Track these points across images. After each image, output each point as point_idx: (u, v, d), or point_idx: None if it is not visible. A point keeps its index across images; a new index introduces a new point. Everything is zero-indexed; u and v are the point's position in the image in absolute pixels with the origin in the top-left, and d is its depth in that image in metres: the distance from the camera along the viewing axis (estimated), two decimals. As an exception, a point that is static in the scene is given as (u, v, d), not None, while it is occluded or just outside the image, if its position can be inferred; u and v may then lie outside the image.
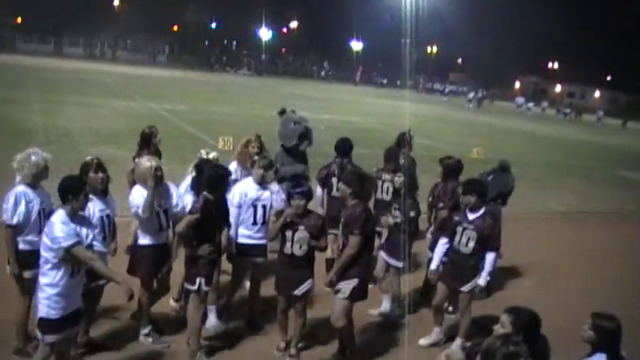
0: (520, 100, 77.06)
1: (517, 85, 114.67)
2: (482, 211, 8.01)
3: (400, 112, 39.90)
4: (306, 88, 67.30)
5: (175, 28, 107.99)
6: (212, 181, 7.17)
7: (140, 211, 7.20)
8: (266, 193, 8.19)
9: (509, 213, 10.82)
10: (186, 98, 39.74)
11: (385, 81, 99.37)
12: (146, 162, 7.39)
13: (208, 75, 75.48)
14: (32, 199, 6.70)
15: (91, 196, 6.59)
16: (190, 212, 7.01)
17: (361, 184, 7.40)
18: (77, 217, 5.98)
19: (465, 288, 8.05)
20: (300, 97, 50.91)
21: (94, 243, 6.19)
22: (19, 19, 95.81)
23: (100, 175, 6.93)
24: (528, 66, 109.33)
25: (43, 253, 5.80)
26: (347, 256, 7.13)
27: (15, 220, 6.62)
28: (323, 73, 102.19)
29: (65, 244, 5.69)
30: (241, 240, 8.09)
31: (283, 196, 8.20)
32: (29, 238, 6.73)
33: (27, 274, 6.73)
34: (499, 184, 10.41)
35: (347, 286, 7.17)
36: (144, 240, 7.49)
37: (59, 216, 5.85)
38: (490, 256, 7.98)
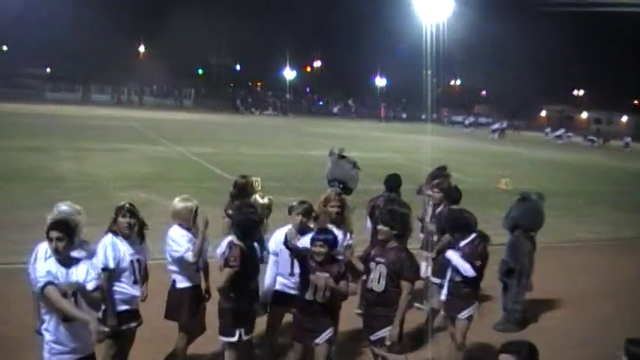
0: (548, 129, 76.92)
1: (543, 113, 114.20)
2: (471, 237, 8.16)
3: (425, 146, 39.93)
4: (331, 126, 67.66)
5: (200, 71, 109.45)
6: (245, 227, 7.04)
7: (191, 255, 7.18)
8: (305, 241, 7.41)
9: (538, 242, 10.74)
10: (213, 141, 40.15)
11: (405, 115, 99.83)
12: (187, 203, 7.48)
13: (234, 117, 76.21)
14: None
15: (121, 239, 6.80)
16: (228, 265, 6.77)
17: (404, 224, 7.19)
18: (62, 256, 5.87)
19: (462, 315, 8.05)
20: (325, 135, 51.14)
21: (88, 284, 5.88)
22: (47, 70, 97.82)
23: (127, 219, 6.87)
24: (553, 95, 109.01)
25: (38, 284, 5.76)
26: (405, 303, 6.91)
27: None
28: (353, 110, 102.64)
29: (43, 280, 5.64)
30: (279, 287, 7.75)
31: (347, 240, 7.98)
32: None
33: None
34: (519, 215, 10.42)
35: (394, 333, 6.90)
36: (182, 283, 7.44)
37: (39, 253, 6.09)
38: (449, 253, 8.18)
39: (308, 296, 6.89)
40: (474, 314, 8.00)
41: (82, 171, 23.79)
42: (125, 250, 6.84)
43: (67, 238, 5.81)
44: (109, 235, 6.87)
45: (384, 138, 53.50)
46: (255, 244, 7.34)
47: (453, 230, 8.41)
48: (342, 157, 13.09)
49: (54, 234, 5.78)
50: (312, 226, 7.84)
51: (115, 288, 6.81)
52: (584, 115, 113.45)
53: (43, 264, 5.85)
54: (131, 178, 22.86)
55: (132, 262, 6.90)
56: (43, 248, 6.33)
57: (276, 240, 7.69)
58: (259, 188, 18.92)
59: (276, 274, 7.76)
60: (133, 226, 6.92)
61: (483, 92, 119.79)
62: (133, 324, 7.03)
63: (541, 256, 10.83)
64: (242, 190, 9.31)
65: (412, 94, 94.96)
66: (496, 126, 73.66)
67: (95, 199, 16.59)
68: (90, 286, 5.74)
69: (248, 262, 6.89)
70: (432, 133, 59.57)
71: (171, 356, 7.75)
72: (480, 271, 7.95)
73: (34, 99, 74.90)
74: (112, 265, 6.74)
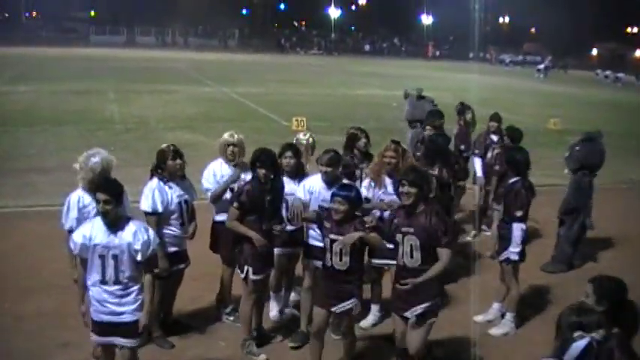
0: (599, 70, 74.98)
1: (594, 52, 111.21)
2: (514, 179, 7.87)
3: (473, 85, 39.28)
4: (377, 65, 66.93)
5: (244, 11, 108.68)
6: (265, 158, 6.79)
7: (209, 195, 7.35)
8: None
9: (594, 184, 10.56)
10: (257, 81, 40.08)
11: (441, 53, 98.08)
12: (224, 136, 7.62)
13: (279, 57, 75.85)
14: (88, 203, 6.38)
15: (167, 182, 6.86)
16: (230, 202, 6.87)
17: (430, 182, 6.43)
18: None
19: (500, 258, 7.90)
20: (370, 74, 50.73)
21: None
22: (92, 13, 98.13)
23: (178, 161, 6.92)
24: (605, 32, 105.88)
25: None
26: (439, 271, 5.98)
27: (67, 226, 6.42)
28: (402, 47, 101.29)
29: (74, 248, 5.66)
30: (309, 240, 7.28)
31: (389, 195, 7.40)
32: None
33: None
34: (585, 155, 10.20)
35: (428, 308, 6.08)
36: (218, 217, 7.50)
37: (71, 201, 6.29)
38: (515, 227, 7.67)
39: (326, 262, 6.28)
40: (512, 259, 7.78)
41: (129, 113, 24.01)
42: (172, 193, 6.89)
43: (115, 201, 5.56)
44: (155, 180, 6.90)
45: (430, 77, 52.76)
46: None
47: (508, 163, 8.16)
48: (420, 97, 13.15)
49: (101, 196, 5.52)
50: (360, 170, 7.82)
51: (164, 231, 6.89)
52: (638, 53, 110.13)
53: (86, 224, 5.69)
54: (177, 119, 23.00)
55: (179, 203, 6.96)
56: (76, 197, 6.44)
57: (305, 188, 7.21)
58: (304, 128, 18.95)
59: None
60: (183, 167, 7.00)
61: (533, 30, 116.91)
62: (182, 265, 7.15)
63: (596, 197, 10.64)
64: (351, 141, 8.69)
65: (459, 32, 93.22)
66: (543, 65, 71.95)
67: (142, 141, 16.73)
68: (139, 256, 5.54)
69: (255, 202, 6.74)
70: (480, 72, 58.43)
71: (220, 294, 7.87)
72: (523, 220, 7.77)
73: (79, 43, 75.55)
74: (160, 209, 6.80)
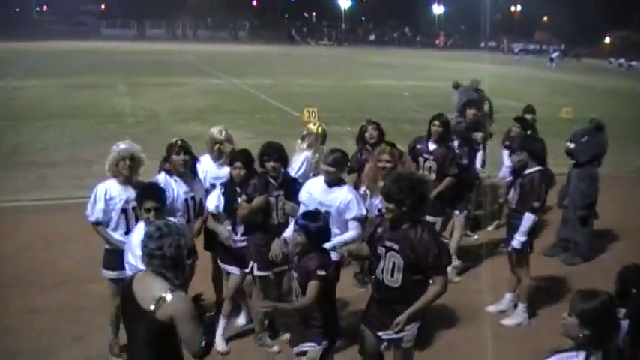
0: (612, 59, 74.57)
1: (607, 40, 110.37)
2: (534, 169, 7.66)
3: (485, 74, 39.13)
4: (388, 55, 66.77)
5: (254, 3, 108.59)
6: (272, 151, 6.70)
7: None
8: (333, 196, 6.44)
9: (602, 173, 10.48)
10: (268, 72, 40.03)
11: (452, 43, 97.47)
12: (210, 130, 7.48)
13: (289, 48, 75.71)
14: (115, 195, 6.38)
15: (175, 177, 6.67)
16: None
17: (416, 194, 5.26)
18: None
19: (509, 247, 7.79)
20: (381, 65, 50.59)
21: None
22: (102, 6, 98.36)
23: (182, 157, 6.65)
24: (618, 20, 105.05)
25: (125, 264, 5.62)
26: (432, 299, 5.30)
27: (93, 218, 6.40)
28: (415, 37, 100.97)
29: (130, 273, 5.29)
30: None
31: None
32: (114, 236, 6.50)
33: (112, 275, 6.52)
34: (594, 145, 10.09)
35: (414, 331, 5.38)
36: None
37: (136, 237, 5.37)
38: (526, 217, 7.53)
39: (377, 274, 5.46)
40: (515, 247, 7.67)
41: (139, 106, 24.03)
42: (178, 189, 6.70)
43: (163, 207, 5.58)
44: (162, 175, 6.77)
45: (442, 67, 52.55)
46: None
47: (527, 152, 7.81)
48: (476, 90, 13.22)
49: (150, 204, 5.49)
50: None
51: None
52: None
53: (134, 249, 5.35)
54: (187, 111, 22.99)
55: (186, 200, 6.75)
56: (103, 189, 6.40)
57: (306, 189, 6.68)
58: (315, 119, 18.90)
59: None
60: (188, 163, 6.74)
61: (545, 18, 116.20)
62: (189, 260, 6.99)
63: (605, 186, 10.58)
64: (360, 134, 8.74)
65: (471, 21, 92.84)
66: (555, 54, 71.51)
67: (153, 134, 16.75)
68: None
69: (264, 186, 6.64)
70: (492, 61, 58.18)
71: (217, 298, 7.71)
72: (538, 211, 7.67)
73: (89, 36, 75.68)
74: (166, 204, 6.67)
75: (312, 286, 5.09)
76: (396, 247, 5.20)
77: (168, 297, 4.09)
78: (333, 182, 6.49)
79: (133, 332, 4.34)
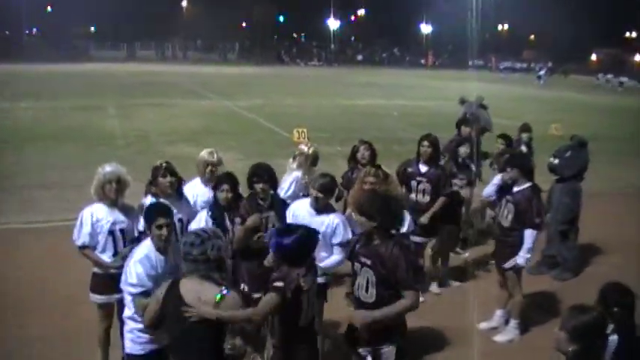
0: (600, 74, 75.08)
1: (594, 57, 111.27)
2: (525, 185, 7.68)
3: (473, 93, 39.33)
4: (377, 75, 67.11)
5: (244, 24, 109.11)
6: (262, 172, 6.59)
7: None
8: (319, 221, 6.31)
9: (589, 189, 10.54)
10: (258, 93, 40.15)
11: (441, 62, 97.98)
12: (202, 154, 7.30)
13: (279, 69, 76.03)
14: (102, 218, 6.33)
15: (161, 200, 6.45)
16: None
17: (386, 211, 5.26)
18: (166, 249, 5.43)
19: (506, 265, 7.76)
20: (370, 84, 50.83)
21: None
22: (92, 29, 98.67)
23: (168, 179, 6.56)
24: (605, 38, 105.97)
25: (122, 285, 5.39)
26: (399, 311, 5.12)
27: (80, 242, 6.33)
28: (404, 57, 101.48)
29: (133, 290, 5.24)
30: None
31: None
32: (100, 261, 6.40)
33: (99, 299, 6.51)
34: (578, 160, 10.17)
35: (390, 351, 5.23)
36: None
37: (139, 252, 5.36)
38: (528, 233, 7.54)
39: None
40: (520, 265, 7.68)
41: (129, 127, 24.04)
42: None
43: (172, 222, 5.53)
44: (149, 197, 6.68)
45: (429, 86, 52.86)
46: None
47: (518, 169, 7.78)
48: (483, 106, 13.43)
49: (162, 220, 5.35)
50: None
51: None
52: (638, 57, 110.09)
53: (136, 265, 5.28)
54: (178, 132, 23.01)
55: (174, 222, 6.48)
56: (89, 212, 6.34)
57: (291, 211, 6.64)
58: (305, 139, 18.96)
59: None
60: (174, 185, 6.64)
61: (532, 37, 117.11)
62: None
63: (593, 202, 10.68)
64: (353, 154, 8.81)
65: (458, 40, 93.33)
66: (543, 71, 72.01)
67: (142, 155, 16.77)
68: None
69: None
70: (480, 79, 58.49)
71: None
72: (540, 226, 7.71)
73: (79, 58, 75.75)
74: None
75: (266, 297, 4.89)
76: (368, 262, 5.16)
77: (228, 296, 4.51)
78: (320, 208, 6.41)
79: (189, 334, 4.57)
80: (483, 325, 8.14)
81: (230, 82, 49.29)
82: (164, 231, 5.35)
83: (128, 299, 5.32)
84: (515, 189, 7.73)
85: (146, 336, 5.33)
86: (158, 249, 5.36)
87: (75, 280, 7.79)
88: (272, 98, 37.37)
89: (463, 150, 10.03)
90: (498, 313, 8.17)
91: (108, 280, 6.29)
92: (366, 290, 5.18)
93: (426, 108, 33.15)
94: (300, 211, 6.51)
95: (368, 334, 5.22)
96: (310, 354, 5.19)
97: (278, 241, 5.01)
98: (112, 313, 6.62)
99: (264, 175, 6.57)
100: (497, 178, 8.15)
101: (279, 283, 4.79)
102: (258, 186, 6.54)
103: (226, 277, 4.79)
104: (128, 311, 5.37)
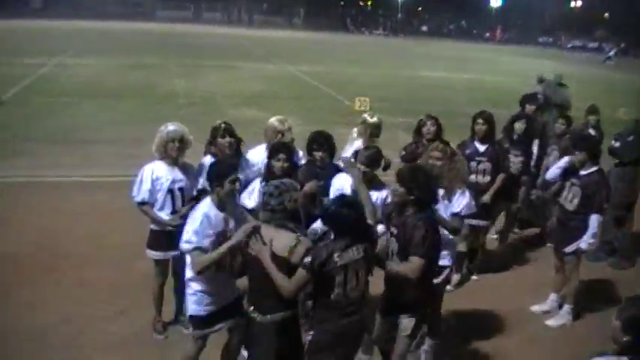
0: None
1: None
2: (593, 169, 7.45)
3: (543, 71, 38.45)
4: (443, 47, 66.19)
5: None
6: (323, 140, 6.51)
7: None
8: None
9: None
10: (322, 60, 40.06)
11: (508, 37, 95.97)
12: (273, 121, 7.09)
13: (344, 36, 75.59)
14: (161, 176, 6.41)
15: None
16: None
17: (427, 189, 5.35)
18: (227, 206, 5.40)
19: (568, 249, 7.56)
20: (436, 56, 50.17)
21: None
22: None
23: (227, 139, 6.66)
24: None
25: (182, 244, 5.32)
26: (399, 270, 5.19)
27: (139, 198, 6.42)
28: (473, 30, 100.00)
29: (189, 246, 5.20)
30: None
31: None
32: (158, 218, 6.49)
33: (156, 255, 6.64)
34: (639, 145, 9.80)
35: (408, 323, 5.37)
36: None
37: (200, 211, 5.32)
38: (594, 218, 7.34)
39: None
40: (582, 250, 7.50)
41: (192, 88, 24.20)
42: None
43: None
44: (208, 157, 6.72)
45: (497, 61, 51.95)
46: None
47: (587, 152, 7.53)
48: (561, 84, 13.18)
49: (234, 175, 5.36)
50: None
51: None
52: None
53: (195, 223, 5.23)
54: (241, 95, 23.08)
55: None
56: (150, 169, 6.42)
57: (334, 186, 6.33)
58: (368, 108, 18.81)
59: None
60: (233, 145, 6.72)
61: (606, 15, 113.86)
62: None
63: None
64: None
65: (528, 16, 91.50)
66: (612, 52, 69.96)
67: (205, 116, 16.80)
68: None
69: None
70: (548, 57, 57.30)
71: None
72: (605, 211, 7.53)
73: (145, 17, 76.42)
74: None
75: (297, 274, 4.76)
76: (395, 232, 5.30)
77: (301, 243, 4.77)
78: (366, 181, 6.04)
79: (263, 278, 4.81)
80: (535, 308, 8.01)
81: (294, 48, 49.25)
82: (237, 185, 5.44)
83: (188, 260, 5.33)
84: (583, 172, 7.49)
85: (209, 297, 5.41)
86: (219, 206, 5.34)
87: (132, 235, 7.87)
88: (335, 65, 37.20)
89: (518, 126, 9.63)
90: (552, 297, 8.01)
91: (165, 237, 6.45)
92: (392, 257, 5.31)
93: (491, 83, 32.55)
94: (345, 186, 6.18)
95: (387, 304, 5.52)
96: (337, 328, 4.94)
97: (326, 210, 5.00)
98: (167, 269, 6.76)
99: (325, 143, 6.48)
100: (563, 161, 7.88)
101: (308, 259, 4.73)
102: (318, 154, 6.46)
103: (300, 227, 5.07)
104: (190, 272, 5.38)
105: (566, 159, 7.85)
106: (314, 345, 4.94)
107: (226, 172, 5.37)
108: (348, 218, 4.82)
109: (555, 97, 13.43)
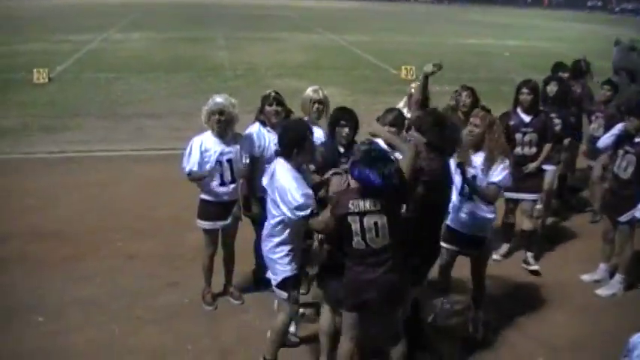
0: None
1: None
2: None
3: (592, 36, 37.61)
4: (490, 13, 65.05)
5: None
6: (349, 117, 6.28)
7: None
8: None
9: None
10: (366, 29, 39.76)
11: (557, 1, 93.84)
12: (308, 92, 6.95)
13: (388, 4, 74.71)
14: (210, 147, 6.47)
15: (268, 128, 6.64)
16: None
17: (441, 135, 5.47)
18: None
19: (623, 218, 7.40)
20: (483, 23, 49.42)
21: None
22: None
23: (274, 107, 6.65)
24: None
25: (274, 212, 5.30)
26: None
27: (188, 169, 6.46)
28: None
29: (307, 211, 5.09)
30: None
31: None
32: (208, 188, 6.61)
33: (205, 225, 6.70)
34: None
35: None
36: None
37: (286, 174, 5.22)
38: None
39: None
40: (638, 218, 7.26)
41: (239, 60, 24.30)
42: (271, 140, 6.54)
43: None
44: (256, 125, 6.76)
45: (545, 26, 50.94)
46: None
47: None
48: (632, 48, 12.87)
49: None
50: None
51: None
52: None
53: (292, 187, 5.14)
54: (286, 66, 23.09)
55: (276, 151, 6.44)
56: (199, 140, 6.48)
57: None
58: (413, 76, 18.69)
59: None
60: (280, 114, 6.68)
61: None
62: None
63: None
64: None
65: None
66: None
67: (251, 87, 16.93)
68: None
69: (328, 165, 6.02)
70: (599, 22, 56.03)
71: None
72: None
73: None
74: (257, 153, 6.66)
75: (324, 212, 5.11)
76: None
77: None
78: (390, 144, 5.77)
79: None
80: (585, 277, 7.91)
81: (338, 17, 48.94)
82: (346, 130, 5.99)
83: (279, 226, 5.31)
84: (637, 139, 7.29)
85: (297, 257, 5.46)
86: (298, 169, 5.30)
87: (183, 208, 8.02)
88: (380, 34, 36.89)
89: (550, 88, 9.38)
90: (602, 266, 7.90)
91: (214, 207, 6.59)
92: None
93: (539, 49, 31.94)
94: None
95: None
96: (357, 276, 5.01)
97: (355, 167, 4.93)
98: (217, 239, 6.84)
99: (350, 119, 6.21)
100: (617, 128, 7.68)
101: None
102: (344, 130, 6.15)
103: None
104: (278, 238, 5.36)
105: (619, 126, 7.64)
106: (337, 292, 5.20)
107: (304, 134, 5.38)
108: (374, 181, 4.78)
109: (625, 62, 13.07)
